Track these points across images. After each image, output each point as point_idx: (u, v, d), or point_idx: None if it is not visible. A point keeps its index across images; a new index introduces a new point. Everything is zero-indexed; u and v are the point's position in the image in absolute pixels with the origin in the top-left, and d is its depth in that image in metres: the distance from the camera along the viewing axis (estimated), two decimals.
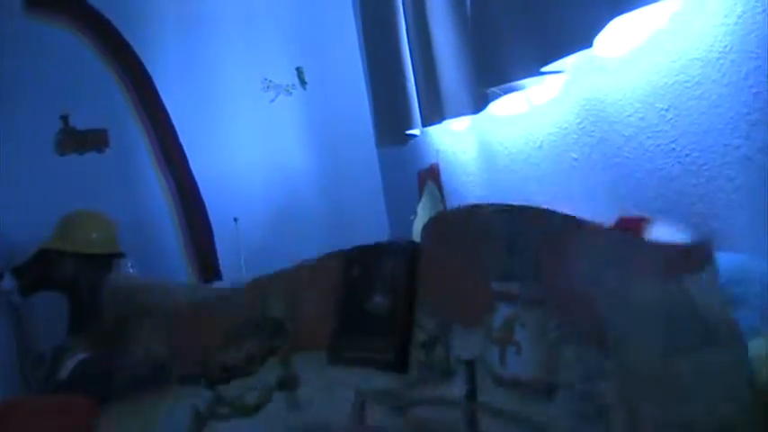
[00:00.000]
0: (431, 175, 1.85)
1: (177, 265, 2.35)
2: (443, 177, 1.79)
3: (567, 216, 0.56)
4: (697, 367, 0.44)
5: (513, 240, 0.56)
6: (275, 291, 0.78)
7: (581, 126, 1.15)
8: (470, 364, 0.55)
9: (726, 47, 0.83)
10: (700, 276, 0.46)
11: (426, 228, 0.68)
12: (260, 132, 2.48)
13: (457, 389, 0.57)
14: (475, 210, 0.63)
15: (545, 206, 0.58)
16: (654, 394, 0.44)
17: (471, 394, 0.55)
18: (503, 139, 1.43)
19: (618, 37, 1.00)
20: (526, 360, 0.52)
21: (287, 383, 0.65)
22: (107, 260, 2.03)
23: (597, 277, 0.50)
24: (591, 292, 0.50)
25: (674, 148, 0.94)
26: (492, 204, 0.61)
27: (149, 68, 2.41)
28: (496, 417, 0.53)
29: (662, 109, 0.95)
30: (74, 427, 0.85)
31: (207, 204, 2.42)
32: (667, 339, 0.46)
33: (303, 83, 2.53)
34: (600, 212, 0.93)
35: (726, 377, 0.44)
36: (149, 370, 0.78)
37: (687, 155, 0.92)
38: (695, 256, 0.47)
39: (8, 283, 1.97)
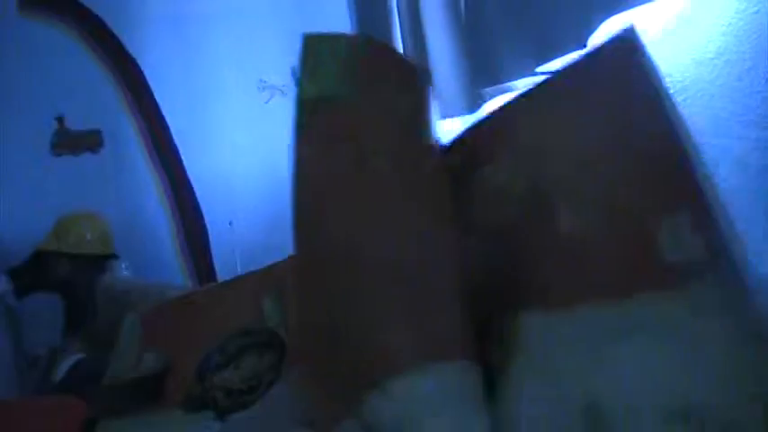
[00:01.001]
0: None
1: (172, 267, 2.35)
2: None
3: None
4: None
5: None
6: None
7: None
8: None
9: (719, 48, 0.83)
10: None
11: None
12: (255, 133, 2.47)
13: None
14: None
15: None
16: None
17: None
18: None
19: None
20: None
21: None
22: (102, 261, 2.02)
23: None
24: None
25: None
26: None
27: (144, 69, 2.40)
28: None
29: None
30: (69, 429, 0.85)
31: (202, 206, 2.41)
32: None
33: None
34: None
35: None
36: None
37: None
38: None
39: (3, 285, 1.97)
